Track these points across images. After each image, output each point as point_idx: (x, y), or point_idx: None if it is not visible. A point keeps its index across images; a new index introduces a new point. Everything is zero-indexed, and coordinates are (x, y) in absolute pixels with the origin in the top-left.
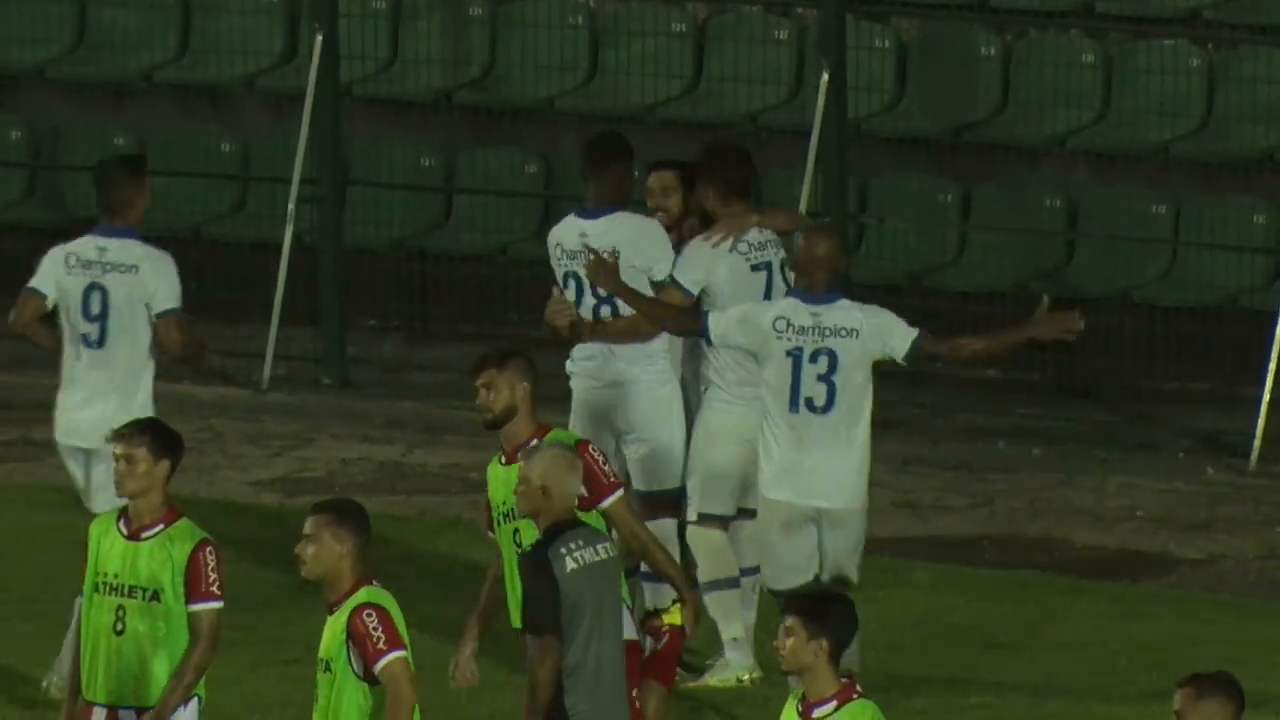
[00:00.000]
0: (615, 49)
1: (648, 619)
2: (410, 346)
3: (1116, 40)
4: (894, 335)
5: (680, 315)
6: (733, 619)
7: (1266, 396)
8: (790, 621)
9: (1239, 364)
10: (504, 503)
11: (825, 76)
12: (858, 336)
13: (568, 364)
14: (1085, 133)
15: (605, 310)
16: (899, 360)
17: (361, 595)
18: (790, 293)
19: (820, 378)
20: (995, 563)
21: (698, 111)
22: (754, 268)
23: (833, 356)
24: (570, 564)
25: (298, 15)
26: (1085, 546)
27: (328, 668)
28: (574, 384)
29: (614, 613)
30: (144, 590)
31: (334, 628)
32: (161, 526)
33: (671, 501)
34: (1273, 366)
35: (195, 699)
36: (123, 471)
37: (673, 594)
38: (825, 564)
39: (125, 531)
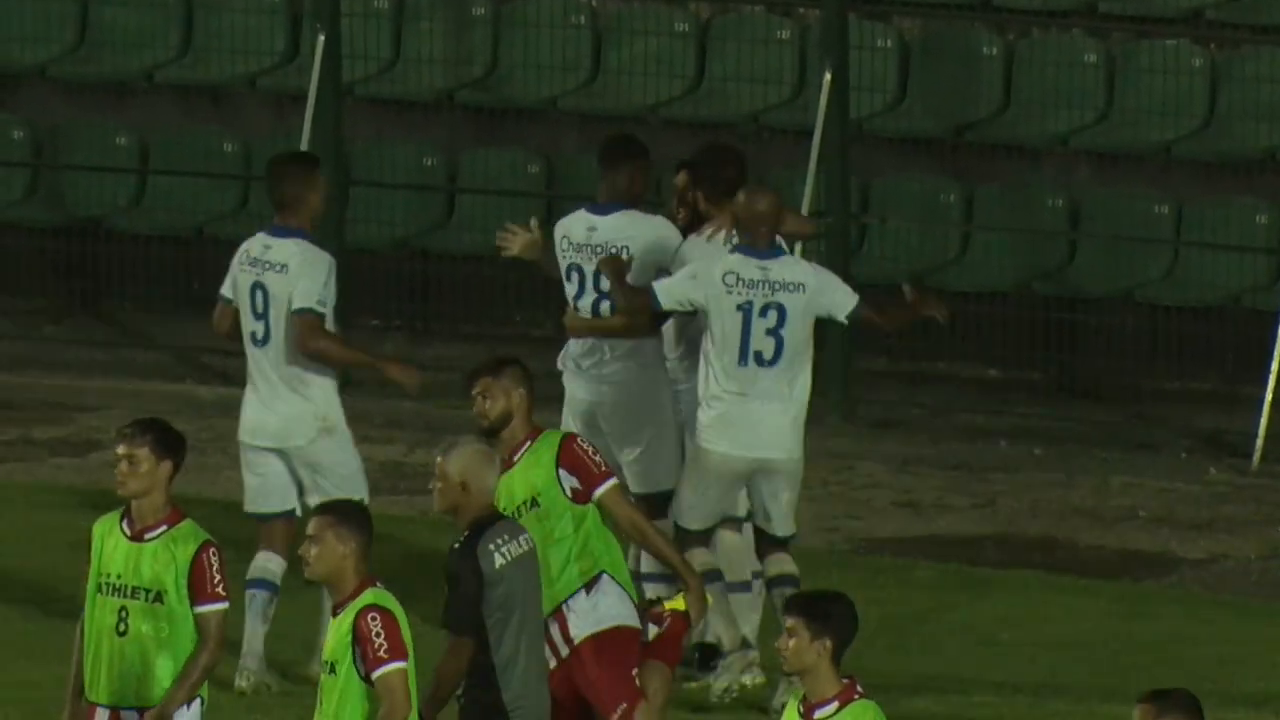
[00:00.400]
0: (617, 49)
1: (650, 606)
2: (412, 346)
3: (1119, 40)
4: (839, 294)
5: (634, 294)
6: (742, 621)
7: (1268, 396)
8: (792, 622)
9: (1241, 364)
10: (504, 508)
11: (827, 76)
12: (805, 291)
13: (559, 361)
14: (1087, 132)
15: (605, 305)
16: (841, 319)
17: (367, 597)
18: (735, 249)
19: (769, 331)
20: (996, 562)
21: (700, 111)
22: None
23: (781, 310)
24: (499, 559)
25: (300, 15)
26: (1087, 546)
27: (332, 669)
28: (566, 381)
29: (537, 603)
30: (147, 591)
31: (339, 629)
32: (165, 528)
33: (666, 502)
34: (1275, 366)
35: (198, 700)
36: (125, 471)
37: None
38: (757, 514)
39: (128, 532)
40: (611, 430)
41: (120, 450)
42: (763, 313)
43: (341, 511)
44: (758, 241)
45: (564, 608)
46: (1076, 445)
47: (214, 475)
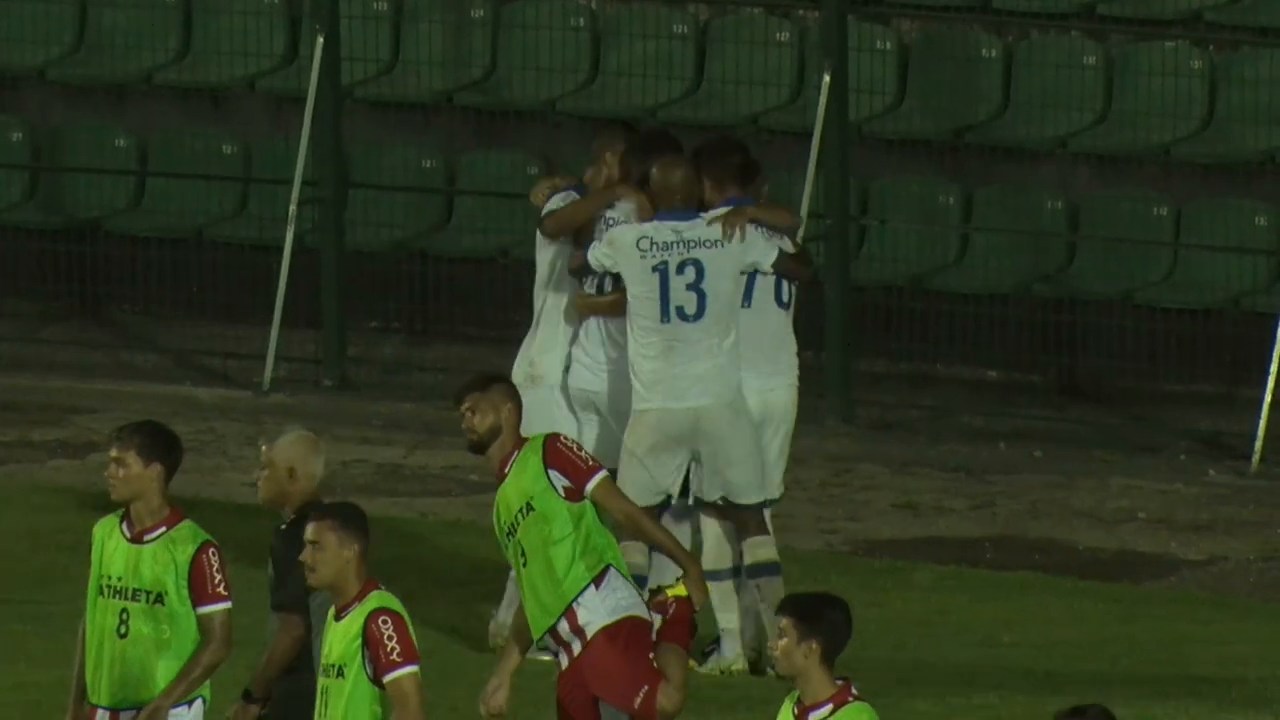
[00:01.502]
0: (616, 51)
1: (652, 595)
2: (411, 348)
3: (1118, 42)
4: (757, 246)
5: (579, 258)
6: (728, 609)
7: (1268, 398)
8: (783, 623)
9: (1240, 366)
10: (502, 522)
11: (826, 78)
12: (721, 246)
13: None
14: (1086, 134)
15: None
16: (765, 269)
17: (374, 600)
18: (654, 217)
19: (689, 286)
20: (996, 564)
21: (699, 113)
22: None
23: (699, 266)
24: None
25: (299, 17)
26: (1086, 548)
27: (340, 673)
28: (571, 375)
29: None
30: (147, 593)
31: (346, 633)
32: (163, 529)
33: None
34: (1274, 368)
35: (200, 700)
36: (113, 474)
37: (674, 570)
38: (708, 484)
39: (128, 534)
40: (616, 417)
41: (112, 452)
42: (680, 269)
43: (343, 515)
44: (673, 206)
45: (574, 605)
46: (1076, 447)
47: (214, 476)
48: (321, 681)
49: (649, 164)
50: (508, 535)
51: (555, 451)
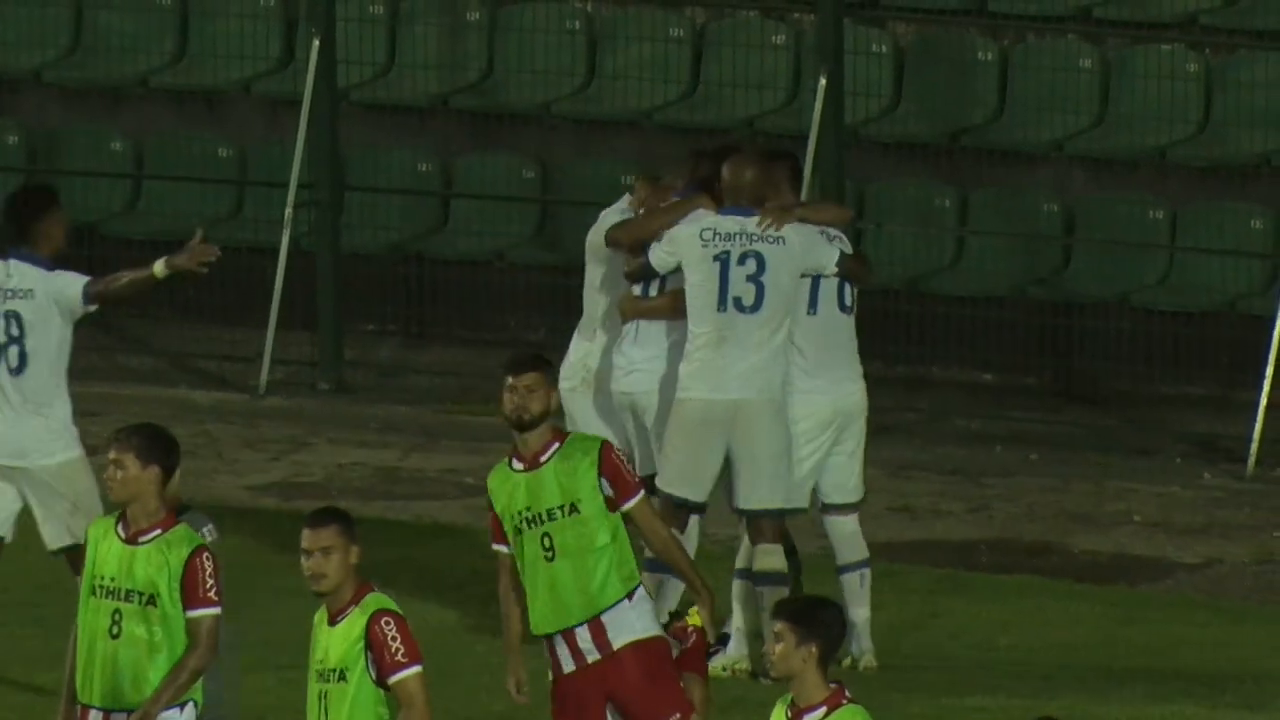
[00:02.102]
0: (613, 54)
1: (669, 623)
2: (407, 351)
3: (1114, 45)
4: (820, 248)
5: (639, 262)
6: (740, 609)
7: (1264, 401)
8: (779, 626)
9: (1236, 368)
10: (527, 508)
11: (823, 81)
12: (785, 244)
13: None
14: (1083, 137)
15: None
16: (828, 272)
17: (373, 602)
18: (720, 211)
19: (749, 278)
20: (992, 567)
21: (695, 116)
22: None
23: (760, 259)
24: (208, 540)
25: (295, 20)
26: (1082, 551)
27: (341, 677)
28: (612, 379)
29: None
30: (140, 595)
31: (346, 636)
32: (159, 531)
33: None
34: (1270, 371)
35: (191, 704)
36: (110, 475)
37: (676, 585)
38: (745, 490)
39: (123, 535)
40: (651, 417)
41: (110, 454)
42: (741, 260)
43: (344, 520)
44: (740, 204)
45: (602, 615)
46: (1072, 450)
47: (209, 480)
48: (317, 686)
49: (717, 165)
50: (529, 523)
51: (609, 461)
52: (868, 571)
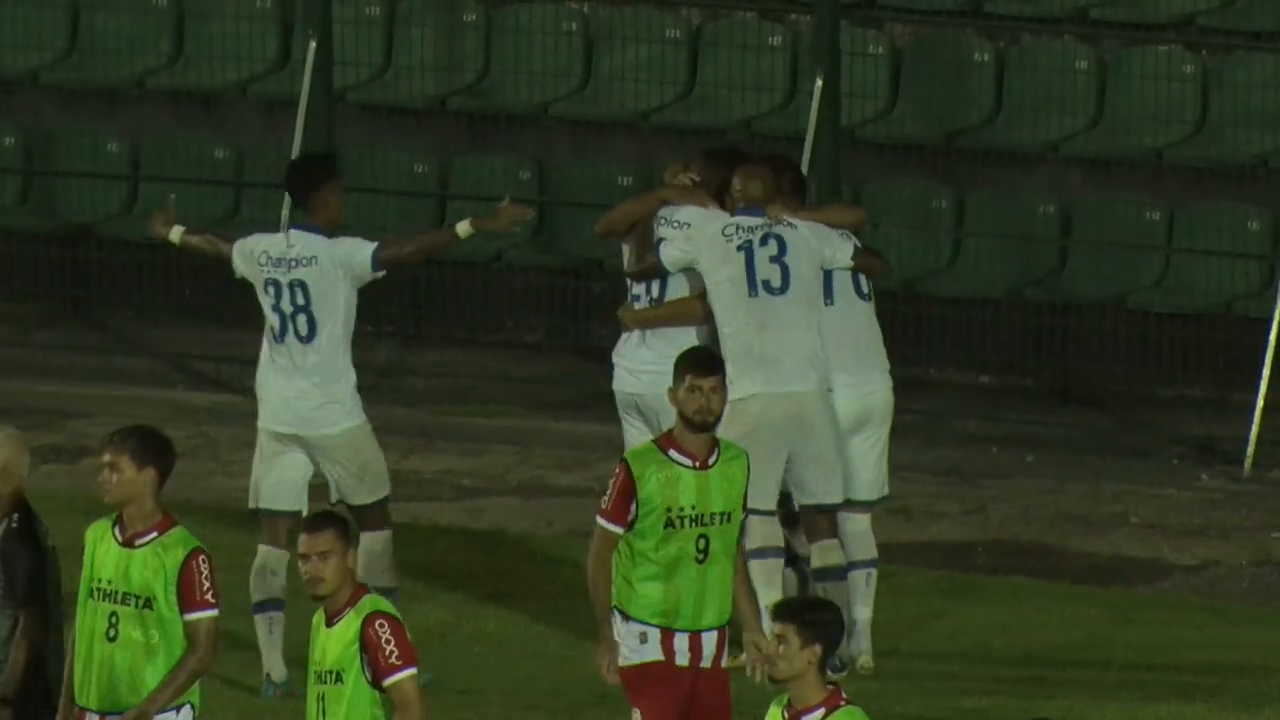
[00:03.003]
0: (609, 55)
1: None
2: (404, 352)
3: (1110, 46)
4: (833, 240)
5: (646, 259)
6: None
7: (1260, 403)
8: (782, 629)
9: (1233, 370)
10: (692, 506)
11: (819, 82)
12: (798, 231)
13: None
14: (1079, 138)
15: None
16: (844, 264)
17: (369, 604)
18: (737, 213)
19: (773, 259)
20: (989, 568)
21: (692, 118)
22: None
23: (780, 241)
24: (50, 541)
25: (291, 21)
26: (1079, 552)
27: (338, 679)
28: (614, 378)
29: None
30: (137, 598)
31: (342, 638)
32: (155, 534)
33: None
34: (1266, 372)
35: (189, 706)
36: (105, 478)
37: None
38: (796, 485)
39: (120, 538)
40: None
41: (104, 458)
42: (763, 242)
43: (341, 523)
44: (752, 206)
45: (727, 626)
46: (1068, 451)
47: (205, 481)
48: (316, 688)
49: (725, 173)
50: (689, 521)
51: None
52: (874, 571)
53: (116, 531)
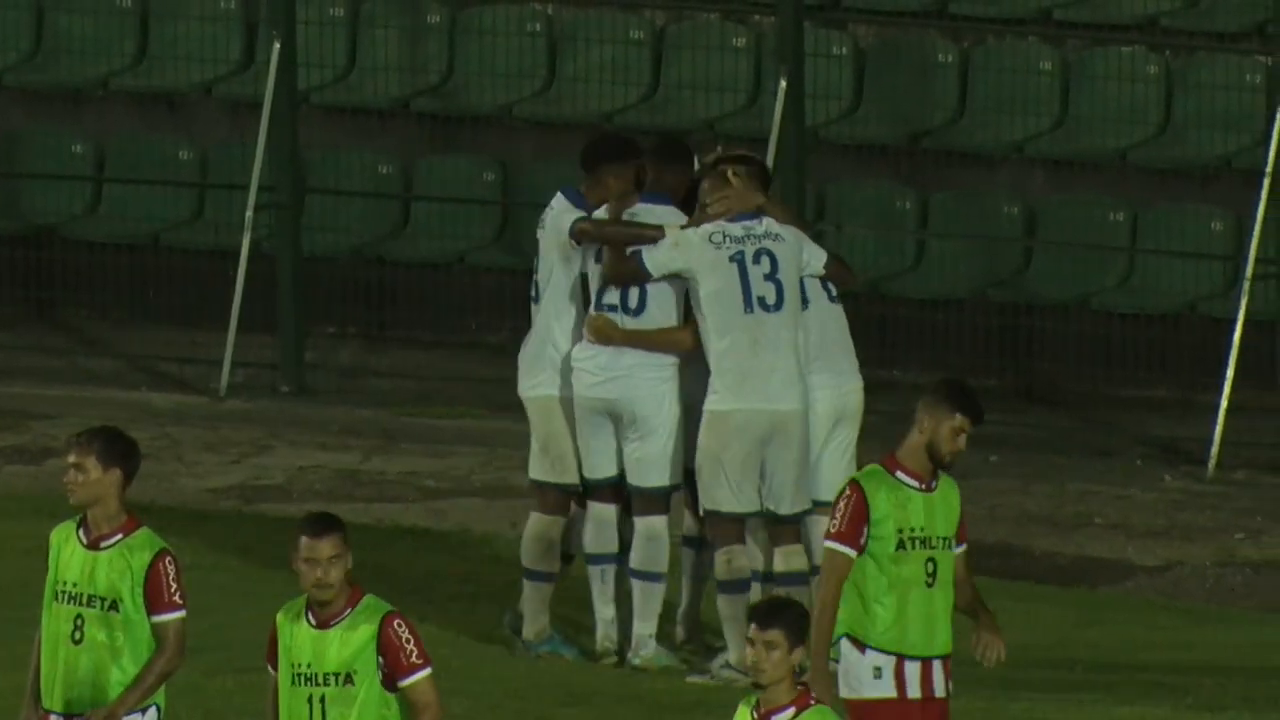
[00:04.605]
0: (573, 56)
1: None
2: (368, 353)
3: (1074, 47)
4: (810, 246)
5: (625, 261)
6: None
7: (1224, 404)
8: (774, 635)
9: (1196, 371)
10: (921, 528)
11: (783, 83)
12: (785, 242)
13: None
14: (1043, 139)
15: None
16: (817, 271)
17: (375, 604)
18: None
19: (767, 277)
20: None
21: (656, 119)
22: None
23: (772, 257)
24: None
25: (255, 22)
26: (1043, 553)
27: (347, 680)
28: (577, 382)
29: None
30: (102, 600)
31: (348, 640)
32: (120, 536)
33: (664, 499)
34: (1230, 373)
35: (154, 707)
36: (72, 479)
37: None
38: (773, 496)
39: (85, 540)
40: (620, 423)
41: (70, 458)
42: (756, 259)
43: (342, 524)
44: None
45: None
46: (1033, 452)
47: (170, 482)
48: (305, 690)
49: (667, 171)
50: (919, 543)
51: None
52: None
53: (81, 534)
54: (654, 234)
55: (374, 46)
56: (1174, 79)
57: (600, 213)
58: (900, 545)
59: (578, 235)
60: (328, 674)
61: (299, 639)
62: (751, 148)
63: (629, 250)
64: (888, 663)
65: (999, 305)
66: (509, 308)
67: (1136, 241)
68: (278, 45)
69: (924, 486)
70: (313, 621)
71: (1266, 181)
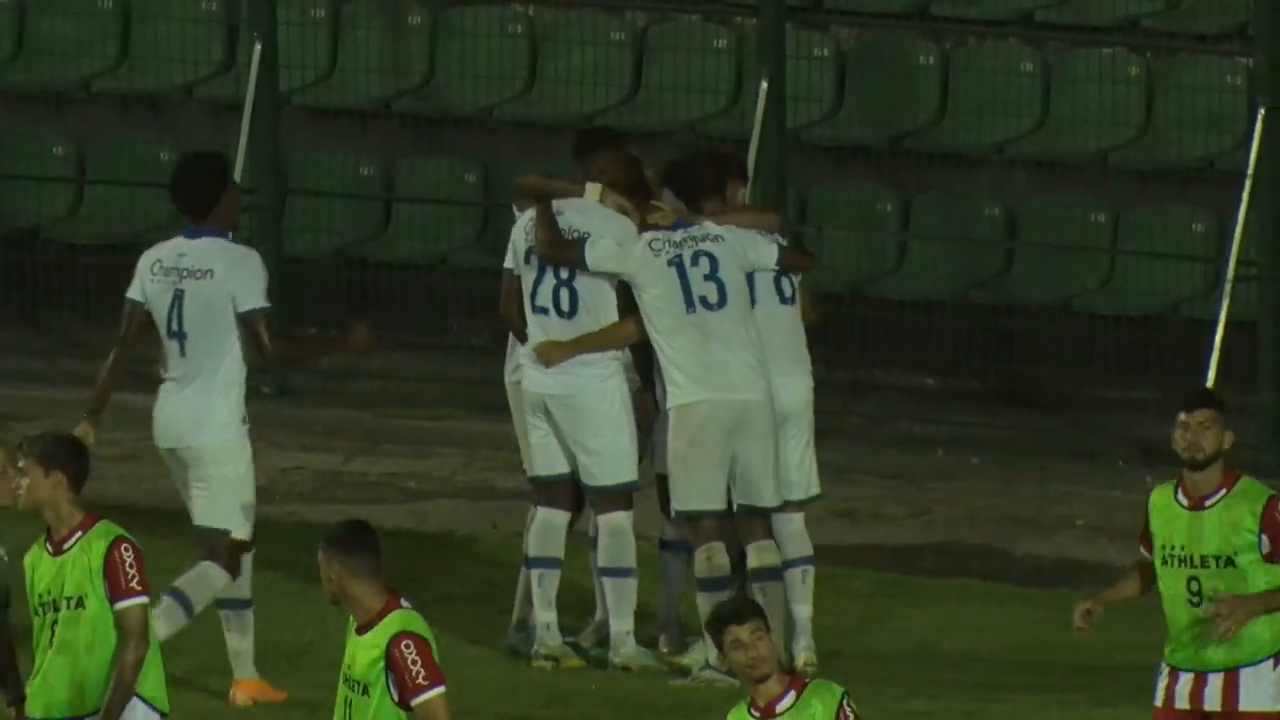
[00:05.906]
0: (554, 58)
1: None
2: (350, 355)
3: (1055, 49)
4: (758, 245)
5: (564, 246)
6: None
7: None
8: (754, 624)
9: (1178, 372)
10: (1181, 547)
11: (764, 85)
12: (725, 241)
13: (517, 358)
14: (1024, 141)
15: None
16: (769, 267)
17: (396, 621)
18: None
19: (707, 277)
20: (934, 571)
21: (637, 120)
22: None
23: (711, 258)
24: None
25: (237, 24)
26: (1025, 555)
27: (365, 691)
28: (523, 377)
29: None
30: (69, 600)
31: (371, 651)
32: (79, 534)
33: (625, 495)
34: (1212, 375)
35: (159, 715)
36: (15, 485)
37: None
38: (736, 486)
39: (51, 551)
40: (567, 424)
41: (20, 464)
42: (694, 261)
43: (378, 538)
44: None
45: (1242, 669)
46: (1014, 454)
47: (152, 484)
48: (343, 691)
49: (592, 164)
50: (1180, 561)
51: (1271, 515)
52: (811, 569)
53: (48, 546)
54: (578, 189)
55: (355, 48)
56: (1155, 80)
57: (590, 193)
58: (1164, 560)
59: (514, 197)
60: (355, 680)
61: (349, 642)
62: (733, 150)
63: (570, 236)
64: (1163, 674)
65: (980, 307)
66: (490, 309)
67: (1118, 243)
68: (259, 46)
69: (1190, 504)
70: (356, 627)
71: (1248, 183)
